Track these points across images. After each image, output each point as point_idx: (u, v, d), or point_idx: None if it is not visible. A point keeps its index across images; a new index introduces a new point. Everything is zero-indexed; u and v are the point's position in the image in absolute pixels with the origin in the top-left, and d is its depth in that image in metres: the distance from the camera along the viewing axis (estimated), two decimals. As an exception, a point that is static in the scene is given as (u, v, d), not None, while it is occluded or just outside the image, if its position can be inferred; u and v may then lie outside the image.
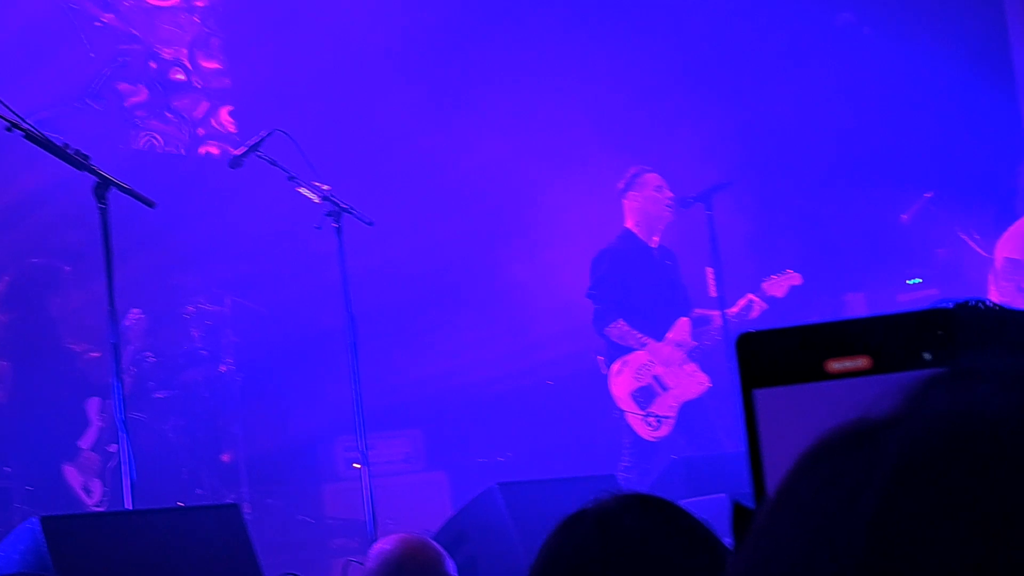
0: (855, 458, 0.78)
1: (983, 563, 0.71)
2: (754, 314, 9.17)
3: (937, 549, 0.73)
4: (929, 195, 9.71)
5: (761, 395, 1.05)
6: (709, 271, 8.94)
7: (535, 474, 9.53)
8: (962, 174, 10.54)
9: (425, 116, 11.15)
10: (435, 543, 4.39)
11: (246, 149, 7.50)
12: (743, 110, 11.31)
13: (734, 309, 9.09)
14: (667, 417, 8.99)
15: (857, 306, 10.99)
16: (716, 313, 8.90)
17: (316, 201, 7.33)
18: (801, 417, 1.02)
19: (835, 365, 1.03)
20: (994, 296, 9.15)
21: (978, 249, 9.61)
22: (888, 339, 1.04)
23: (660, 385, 9.03)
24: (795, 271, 9.35)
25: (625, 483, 8.20)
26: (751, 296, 9.19)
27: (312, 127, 9.00)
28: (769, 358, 1.05)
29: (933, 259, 10.63)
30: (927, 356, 1.02)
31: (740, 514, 1.05)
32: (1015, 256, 9.16)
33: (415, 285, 10.94)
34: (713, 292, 8.93)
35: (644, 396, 9.01)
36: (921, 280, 10.80)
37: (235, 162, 7.56)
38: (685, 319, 9.15)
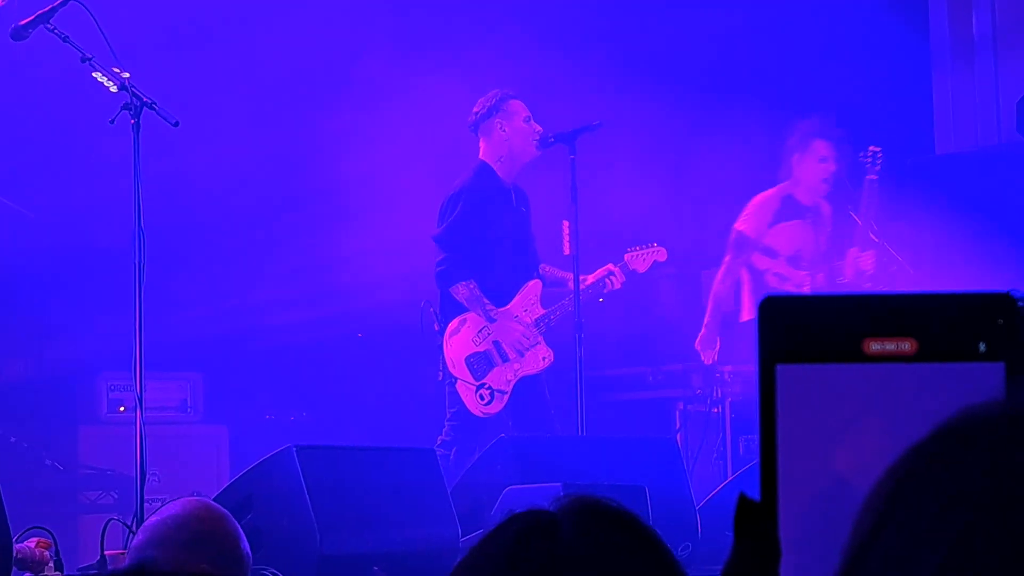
0: (1015, 448, 0.79)
1: None
2: (610, 288, 9.27)
3: None
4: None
5: (785, 371, 1.05)
6: (565, 224, 9.00)
7: (333, 440, 9.53)
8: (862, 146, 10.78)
9: (249, 5, 10.99)
10: (231, 516, 4.33)
11: (34, 18, 7.37)
12: (625, 41, 11.37)
13: (590, 279, 9.18)
14: (502, 392, 9.06)
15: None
16: (569, 276, 8.95)
17: (113, 90, 7.26)
18: (831, 401, 1.03)
19: (875, 346, 1.04)
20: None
21: (859, 221, 9.85)
22: (938, 322, 1.05)
23: (500, 353, 9.09)
24: (661, 240, 9.49)
25: (442, 459, 8.26)
26: (611, 267, 9.29)
27: (116, 2, 8.82)
28: (798, 329, 1.06)
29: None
30: (982, 347, 1.03)
31: (746, 508, 1.05)
32: (743, 230, 9.60)
33: (219, 203, 10.82)
34: (567, 250, 9.00)
35: (480, 364, 9.07)
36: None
37: (19, 33, 7.44)
38: (535, 282, 9.22)
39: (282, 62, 10.95)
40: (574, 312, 8.80)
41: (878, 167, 9.75)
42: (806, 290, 9.77)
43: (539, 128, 9.13)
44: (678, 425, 10.46)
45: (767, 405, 1.04)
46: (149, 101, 7.23)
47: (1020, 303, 1.11)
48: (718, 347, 9.86)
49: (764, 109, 10.82)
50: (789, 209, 9.77)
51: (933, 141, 10.89)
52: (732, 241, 9.83)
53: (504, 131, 9.16)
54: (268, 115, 10.92)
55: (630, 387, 10.93)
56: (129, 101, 7.23)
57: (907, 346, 1.04)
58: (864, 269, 9.77)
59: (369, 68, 10.90)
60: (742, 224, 9.84)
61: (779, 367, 1.05)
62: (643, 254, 9.37)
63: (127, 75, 7.26)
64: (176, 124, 7.27)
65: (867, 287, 9.67)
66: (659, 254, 9.40)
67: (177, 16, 10.72)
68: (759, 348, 1.06)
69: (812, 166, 9.72)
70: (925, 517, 0.81)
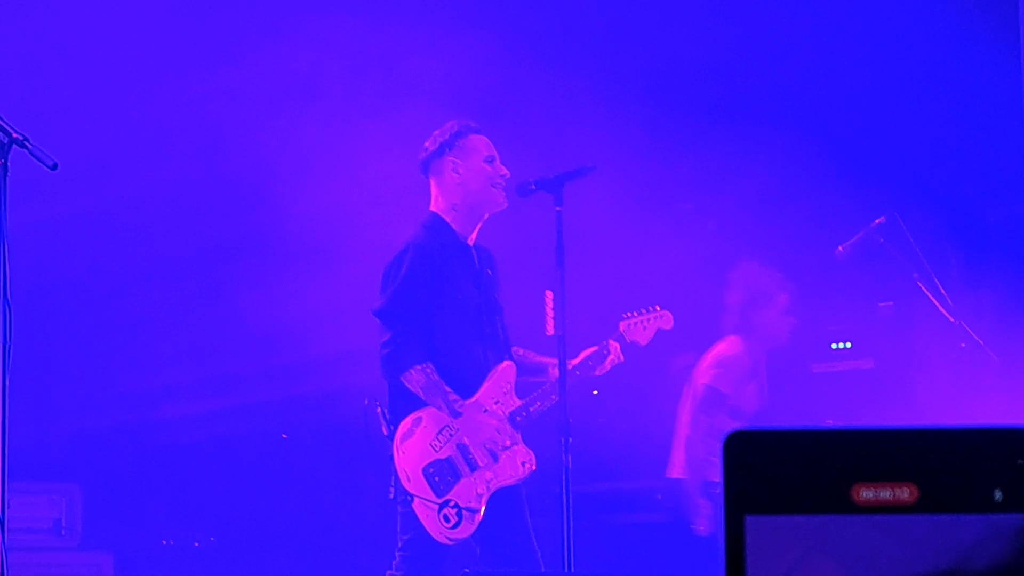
0: None
1: None
2: (604, 368, 9.26)
3: None
4: (880, 220, 9.92)
5: (756, 524, 1.08)
6: (548, 295, 9.01)
7: (246, 573, 9.50)
8: (934, 195, 10.80)
9: (147, 23, 11.02)
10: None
11: None
12: (627, 72, 11.41)
13: (576, 360, 9.13)
14: (471, 510, 8.93)
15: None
16: (551, 361, 8.93)
17: (-26, 124, 7.31)
18: (813, 561, 1.06)
19: (866, 493, 1.08)
20: (684, 427, 9.87)
21: (940, 308, 9.87)
22: (945, 464, 1.08)
23: (466, 460, 8.98)
24: (665, 308, 9.51)
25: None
26: (610, 342, 9.27)
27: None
28: (772, 473, 1.09)
29: (873, 315, 10.86)
30: (997, 495, 1.06)
31: None
32: (718, 386, 9.94)
33: (105, 265, 10.82)
34: (551, 328, 9.00)
35: (443, 475, 8.94)
36: (851, 345, 11.03)
37: None
38: (508, 364, 9.13)
39: (180, 93, 10.97)
40: (560, 408, 8.75)
41: None
42: None
43: (506, 171, 9.06)
44: (697, 556, 10.45)
45: (734, 565, 1.07)
46: (20, 137, 7.26)
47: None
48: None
49: (802, 148, 10.87)
50: (754, 366, 10.18)
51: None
52: (701, 396, 10.25)
53: (458, 172, 9.08)
54: (164, 154, 10.94)
55: (633, 506, 10.92)
56: (-3, 138, 7.27)
57: (906, 493, 1.07)
58: None
59: (300, 92, 10.95)
60: (710, 379, 10.29)
61: (748, 519, 1.08)
62: (642, 321, 9.35)
63: (-5, 105, 7.32)
64: (54, 167, 7.29)
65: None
66: (663, 320, 9.39)
67: (60, 33, 10.76)
68: (724, 494, 1.09)
69: (775, 320, 10.41)
70: None
